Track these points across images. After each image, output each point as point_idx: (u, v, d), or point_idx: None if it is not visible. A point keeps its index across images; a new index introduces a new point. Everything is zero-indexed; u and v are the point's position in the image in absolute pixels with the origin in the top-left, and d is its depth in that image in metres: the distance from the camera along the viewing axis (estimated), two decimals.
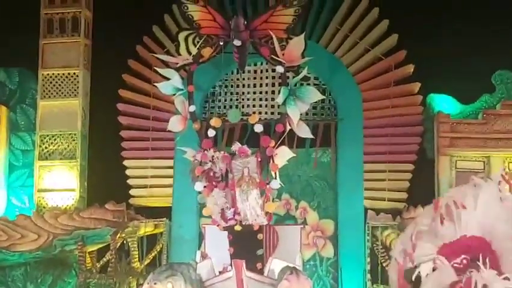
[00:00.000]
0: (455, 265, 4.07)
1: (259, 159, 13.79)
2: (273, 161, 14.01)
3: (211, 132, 14.29)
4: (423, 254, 4.04)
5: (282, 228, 15.17)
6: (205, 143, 14.18)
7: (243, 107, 20.67)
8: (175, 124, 14.88)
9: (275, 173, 14.12)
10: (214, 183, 13.73)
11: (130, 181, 20.75)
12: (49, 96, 21.23)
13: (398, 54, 20.06)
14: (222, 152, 13.92)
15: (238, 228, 13.46)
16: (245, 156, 13.76)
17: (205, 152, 13.95)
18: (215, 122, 14.47)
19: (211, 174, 13.76)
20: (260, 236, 13.86)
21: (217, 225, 13.65)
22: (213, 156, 13.83)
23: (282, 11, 14.87)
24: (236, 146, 13.97)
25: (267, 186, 13.81)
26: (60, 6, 21.45)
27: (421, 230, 4.21)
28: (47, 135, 21.10)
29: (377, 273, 19.22)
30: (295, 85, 14.56)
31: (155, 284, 11.85)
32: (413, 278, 4.14)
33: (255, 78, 20.74)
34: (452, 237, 4.16)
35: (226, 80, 20.82)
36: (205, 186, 13.89)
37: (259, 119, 20.18)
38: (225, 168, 13.73)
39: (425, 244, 4.08)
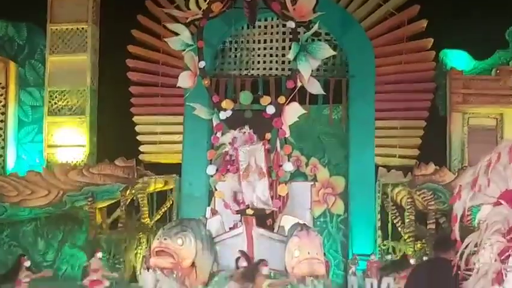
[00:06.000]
0: None
1: (266, 147, 13.29)
2: (286, 142, 13.72)
3: (223, 115, 13.78)
4: (489, 193, 3.84)
5: (292, 185, 15.01)
6: (217, 126, 13.80)
7: (253, 63, 20.50)
8: (185, 80, 14.66)
9: (288, 155, 13.82)
10: (228, 166, 13.29)
11: (139, 137, 20.70)
12: (58, 52, 21.08)
13: (411, 9, 19.79)
14: (244, 132, 13.35)
15: (250, 212, 13.11)
16: (251, 143, 13.21)
17: (217, 135, 13.60)
18: (226, 104, 13.97)
19: (227, 157, 13.37)
20: (271, 193, 13.69)
21: (230, 209, 13.34)
22: (234, 137, 13.38)
23: None
24: (242, 132, 13.34)
25: (280, 168, 13.43)
26: None
27: (497, 167, 3.94)
28: (56, 91, 21.02)
29: (387, 230, 19.24)
30: (307, 41, 14.35)
31: (165, 239, 11.83)
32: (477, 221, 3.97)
33: (265, 33, 20.54)
34: None
35: (236, 35, 20.62)
36: (217, 170, 13.54)
37: (270, 75, 20.12)
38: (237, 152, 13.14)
39: (492, 184, 3.88)
